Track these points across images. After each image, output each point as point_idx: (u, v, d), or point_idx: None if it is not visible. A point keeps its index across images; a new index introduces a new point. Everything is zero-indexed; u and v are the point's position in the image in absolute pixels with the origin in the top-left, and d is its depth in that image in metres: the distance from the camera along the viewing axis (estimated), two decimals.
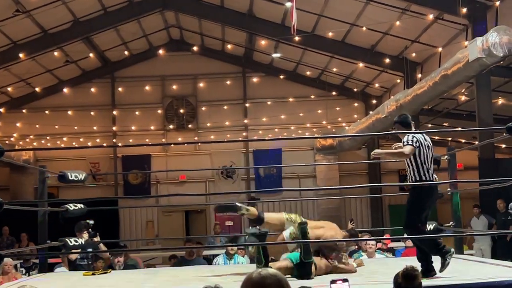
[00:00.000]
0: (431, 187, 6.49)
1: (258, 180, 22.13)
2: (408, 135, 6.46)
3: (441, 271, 6.26)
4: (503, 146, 20.31)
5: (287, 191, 20.98)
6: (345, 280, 4.14)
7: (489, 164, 13.93)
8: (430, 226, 8.51)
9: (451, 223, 8.86)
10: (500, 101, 16.63)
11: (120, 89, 22.16)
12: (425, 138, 6.51)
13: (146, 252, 15.97)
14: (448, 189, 8.88)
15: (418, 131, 6.72)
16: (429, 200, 6.52)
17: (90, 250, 8.94)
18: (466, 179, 14.69)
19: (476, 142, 15.93)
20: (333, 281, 4.15)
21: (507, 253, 13.13)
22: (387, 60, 17.78)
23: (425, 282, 5.05)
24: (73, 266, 9.30)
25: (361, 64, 18.79)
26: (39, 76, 20.11)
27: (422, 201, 6.46)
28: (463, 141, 21.21)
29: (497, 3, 13.04)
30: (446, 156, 8.80)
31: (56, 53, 18.58)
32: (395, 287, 4.57)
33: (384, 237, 13.31)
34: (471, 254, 12.14)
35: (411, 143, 6.35)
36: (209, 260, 11.84)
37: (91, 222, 8.87)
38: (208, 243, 16.09)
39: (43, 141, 21.40)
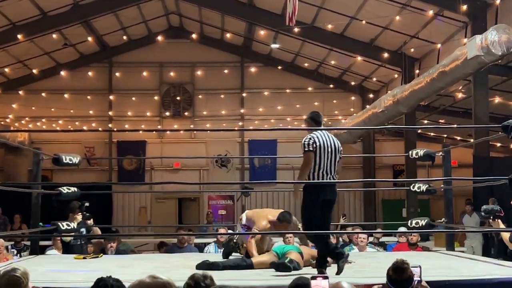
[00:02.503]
0: (318, 189, 6.40)
1: (253, 170, 22.11)
2: (305, 138, 6.37)
3: (337, 274, 6.06)
4: (498, 144, 20.32)
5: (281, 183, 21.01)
6: (325, 278, 4.17)
7: (484, 162, 13.92)
8: (422, 222, 8.56)
9: (443, 219, 8.90)
10: (497, 99, 16.63)
11: (117, 74, 22.11)
12: (328, 137, 6.41)
13: (138, 238, 15.99)
14: (442, 186, 8.92)
15: (323, 128, 6.58)
16: (317, 201, 6.39)
17: (83, 230, 8.92)
18: (460, 176, 14.76)
19: (472, 140, 15.95)
20: (313, 278, 4.19)
21: (499, 251, 13.17)
22: (386, 55, 17.75)
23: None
24: (67, 248, 9.29)
25: (359, 58, 18.76)
26: (36, 58, 20.02)
27: (310, 202, 6.40)
28: (459, 138, 21.25)
29: (497, 1, 13.01)
30: (441, 153, 8.85)
31: (54, 36, 18.49)
32: (387, 280, 4.76)
33: (376, 230, 13.35)
34: (462, 251, 12.19)
35: (307, 148, 6.28)
36: (200, 248, 11.86)
37: (87, 204, 8.87)
38: (200, 231, 16.12)
39: (38, 124, 21.36)
